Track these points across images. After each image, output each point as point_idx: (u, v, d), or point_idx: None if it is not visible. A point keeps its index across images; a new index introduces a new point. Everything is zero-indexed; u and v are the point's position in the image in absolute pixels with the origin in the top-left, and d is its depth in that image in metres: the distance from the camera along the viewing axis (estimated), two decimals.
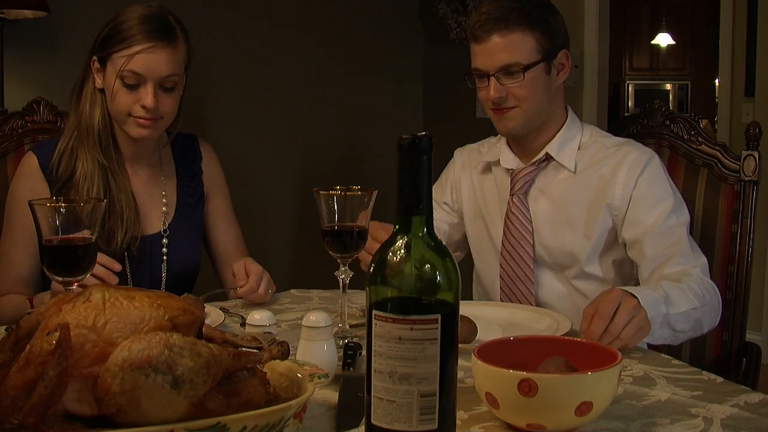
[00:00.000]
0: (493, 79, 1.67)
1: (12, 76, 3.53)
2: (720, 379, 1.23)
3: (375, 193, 1.38)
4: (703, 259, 1.63)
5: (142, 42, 1.67)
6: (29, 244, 1.67)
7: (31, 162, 1.75)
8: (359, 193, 1.38)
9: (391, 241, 0.91)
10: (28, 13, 3.40)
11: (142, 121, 1.70)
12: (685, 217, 1.67)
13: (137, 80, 1.68)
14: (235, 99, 4.17)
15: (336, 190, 1.38)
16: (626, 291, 1.37)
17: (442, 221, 1.90)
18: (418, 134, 0.90)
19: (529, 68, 1.65)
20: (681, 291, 1.49)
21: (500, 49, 1.66)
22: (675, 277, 1.56)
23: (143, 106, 1.69)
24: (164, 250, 1.82)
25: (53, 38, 3.68)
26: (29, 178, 1.75)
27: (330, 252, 1.41)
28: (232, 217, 1.99)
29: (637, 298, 1.35)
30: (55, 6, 3.44)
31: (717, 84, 5.11)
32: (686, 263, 1.60)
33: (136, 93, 1.69)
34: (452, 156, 1.96)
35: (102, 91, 1.75)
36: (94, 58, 1.73)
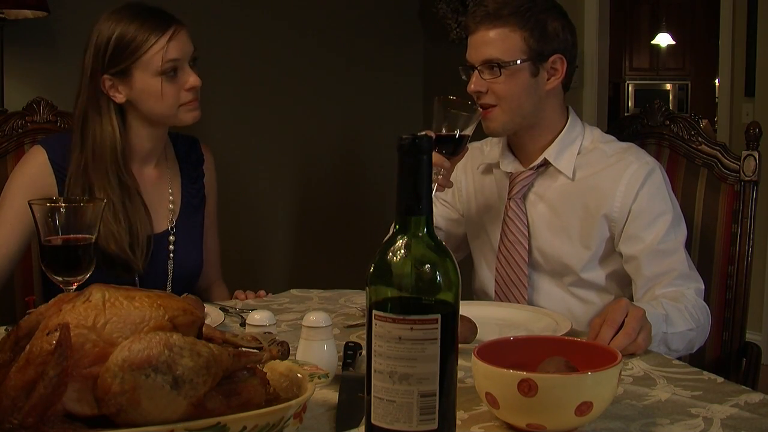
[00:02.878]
0: (475, 72, 1.68)
1: (12, 76, 3.54)
2: (720, 379, 1.23)
3: (480, 111, 1.61)
4: (700, 283, 1.63)
5: (164, 32, 1.69)
6: (16, 226, 1.66)
7: (39, 156, 1.74)
8: (471, 105, 1.62)
9: (391, 241, 0.91)
10: (28, 13, 3.40)
11: (191, 104, 1.74)
12: (683, 234, 1.66)
13: (175, 67, 1.70)
14: (235, 98, 4.18)
15: (453, 97, 1.60)
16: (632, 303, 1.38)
17: (439, 217, 1.88)
18: (418, 134, 0.90)
19: (507, 66, 1.64)
20: (679, 312, 1.50)
21: (485, 42, 1.66)
22: (671, 296, 1.56)
23: (191, 88, 1.72)
24: (171, 248, 1.82)
25: (53, 38, 3.69)
26: (35, 167, 1.73)
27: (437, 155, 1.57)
28: (216, 228, 2.00)
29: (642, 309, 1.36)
30: (55, 6, 3.44)
31: (717, 84, 5.11)
32: (682, 284, 1.60)
33: (177, 81, 1.71)
34: None
35: (121, 107, 1.73)
36: (105, 77, 1.70)
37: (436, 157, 1.55)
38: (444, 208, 1.90)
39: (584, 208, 1.69)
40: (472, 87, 1.68)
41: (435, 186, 1.57)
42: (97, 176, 1.71)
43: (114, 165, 1.72)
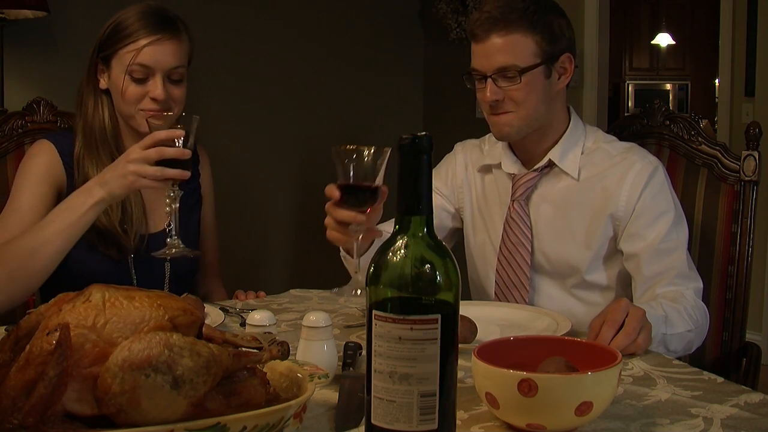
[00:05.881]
0: (490, 80, 1.64)
1: (12, 76, 3.54)
2: (720, 379, 1.23)
3: (389, 151, 1.43)
4: (699, 283, 1.63)
5: (148, 35, 1.68)
6: (40, 210, 1.67)
7: (48, 147, 1.75)
8: (374, 149, 1.43)
9: (391, 241, 0.91)
10: (28, 13, 3.40)
11: (150, 113, 1.70)
12: (685, 233, 1.66)
13: (145, 73, 1.69)
14: (234, 99, 4.18)
15: (352, 147, 1.44)
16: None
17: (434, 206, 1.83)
18: (418, 134, 0.90)
19: (526, 71, 1.62)
20: (678, 313, 1.50)
21: (498, 50, 1.62)
22: (670, 296, 1.56)
23: (153, 98, 1.70)
24: None
25: (53, 38, 3.69)
26: (47, 157, 1.73)
27: (345, 208, 1.45)
28: (214, 230, 2.01)
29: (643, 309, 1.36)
30: (55, 6, 3.45)
31: (717, 84, 5.12)
32: (681, 284, 1.60)
33: (145, 86, 1.70)
34: (452, 149, 1.93)
35: (106, 92, 1.76)
36: (97, 59, 1.74)
37: (347, 215, 1.45)
38: (440, 198, 1.88)
39: (590, 207, 1.69)
40: (489, 96, 1.64)
41: (357, 240, 1.46)
42: (91, 156, 1.73)
43: (104, 144, 1.74)
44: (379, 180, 1.44)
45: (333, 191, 1.45)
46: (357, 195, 1.44)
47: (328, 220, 1.49)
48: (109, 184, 1.54)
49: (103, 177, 1.56)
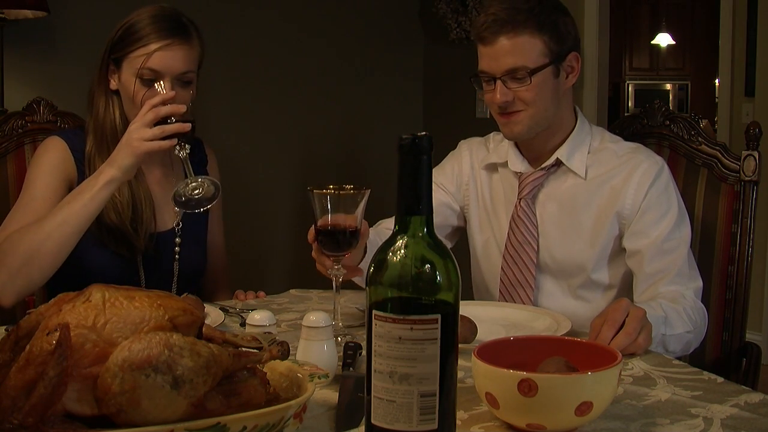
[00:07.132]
0: (499, 82, 1.64)
1: (12, 76, 3.54)
2: (720, 379, 1.23)
3: (368, 192, 1.40)
4: (699, 282, 1.63)
5: (159, 40, 1.68)
6: (54, 201, 1.67)
7: (59, 143, 1.75)
8: (352, 192, 1.40)
9: (391, 241, 0.91)
10: (28, 13, 3.40)
11: None
12: (687, 232, 1.66)
13: (155, 77, 1.69)
14: (235, 98, 4.18)
15: (329, 189, 1.39)
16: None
17: (437, 202, 1.77)
18: (419, 134, 0.90)
19: (536, 72, 1.62)
20: (677, 313, 1.50)
21: (507, 52, 1.62)
22: (670, 296, 1.57)
23: None
24: (177, 248, 1.82)
25: (53, 38, 3.69)
26: (59, 152, 1.74)
27: (323, 251, 1.42)
28: (222, 228, 2.01)
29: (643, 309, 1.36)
30: (55, 6, 3.45)
31: (717, 84, 5.12)
32: (682, 284, 1.60)
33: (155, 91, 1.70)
34: (452, 149, 1.92)
35: (116, 92, 1.76)
36: (109, 60, 1.74)
37: (324, 260, 1.43)
38: (446, 195, 1.88)
39: (597, 206, 1.70)
40: (499, 98, 1.64)
41: (338, 282, 1.41)
42: (102, 156, 1.73)
43: (115, 144, 1.72)
44: (359, 220, 1.40)
45: (311, 235, 1.43)
46: (335, 238, 1.39)
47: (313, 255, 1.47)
48: (117, 160, 1.58)
49: (110, 159, 1.60)
